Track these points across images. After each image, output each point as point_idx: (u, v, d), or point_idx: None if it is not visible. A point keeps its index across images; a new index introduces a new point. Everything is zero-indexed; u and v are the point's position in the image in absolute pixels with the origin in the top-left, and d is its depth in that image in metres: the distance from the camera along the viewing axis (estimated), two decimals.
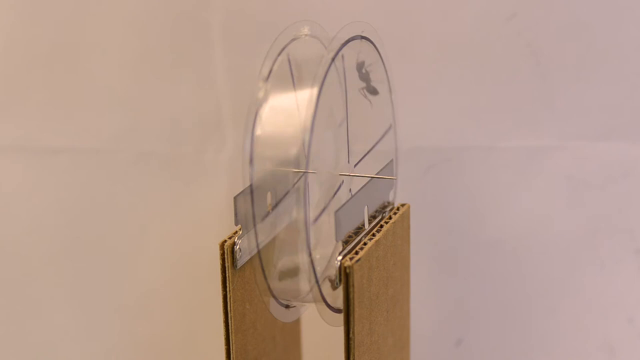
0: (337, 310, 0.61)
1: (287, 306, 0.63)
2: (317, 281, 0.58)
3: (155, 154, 0.83)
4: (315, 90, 0.56)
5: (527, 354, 0.83)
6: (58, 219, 0.85)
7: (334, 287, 0.59)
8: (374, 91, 0.64)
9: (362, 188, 0.62)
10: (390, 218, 0.63)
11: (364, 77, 0.63)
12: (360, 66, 0.63)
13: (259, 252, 0.60)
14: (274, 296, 0.61)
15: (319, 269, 0.60)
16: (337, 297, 0.60)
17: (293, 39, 0.61)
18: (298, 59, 0.61)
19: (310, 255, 0.56)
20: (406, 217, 0.66)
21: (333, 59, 0.57)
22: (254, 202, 0.59)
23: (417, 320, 0.74)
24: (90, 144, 0.83)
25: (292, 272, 0.61)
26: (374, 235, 0.60)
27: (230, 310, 0.60)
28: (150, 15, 0.80)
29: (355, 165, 0.64)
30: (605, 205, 0.79)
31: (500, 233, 0.81)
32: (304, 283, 0.60)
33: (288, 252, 0.62)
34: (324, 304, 0.60)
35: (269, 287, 0.61)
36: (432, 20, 0.77)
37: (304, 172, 0.56)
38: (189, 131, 0.83)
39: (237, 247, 0.60)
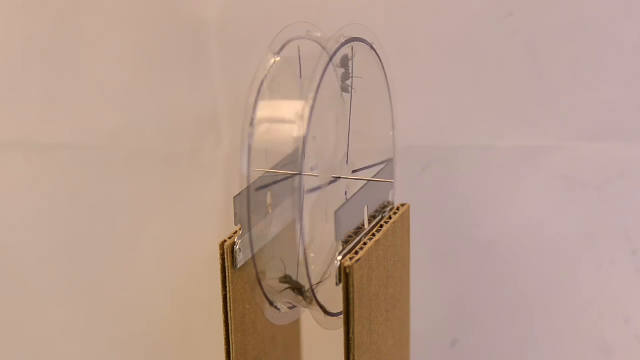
0: (330, 314, 0.61)
1: (278, 308, 0.63)
2: (311, 285, 0.58)
3: (151, 151, 0.83)
4: (311, 94, 0.56)
5: (522, 355, 0.83)
6: (55, 215, 0.85)
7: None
8: (345, 89, 0.63)
9: (361, 188, 0.62)
10: (390, 218, 0.63)
11: (344, 76, 0.62)
12: (344, 61, 0.62)
13: (253, 257, 0.60)
14: (268, 300, 0.61)
15: (312, 268, 0.60)
16: (331, 301, 0.60)
17: (290, 40, 0.61)
18: (296, 59, 0.61)
19: (305, 262, 0.56)
20: (406, 217, 0.65)
21: (328, 63, 0.57)
22: (250, 203, 0.58)
23: (411, 320, 0.74)
24: (87, 141, 0.83)
25: (288, 275, 0.61)
26: (374, 235, 0.60)
27: (230, 310, 0.60)
28: (147, 13, 0.80)
29: (354, 172, 0.64)
30: (601, 205, 0.79)
31: (496, 233, 0.81)
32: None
33: (285, 254, 0.62)
34: (317, 308, 0.60)
35: (263, 291, 0.61)
36: (428, 19, 0.77)
37: (301, 173, 0.56)
38: (186, 128, 0.82)
39: (237, 247, 0.60)
